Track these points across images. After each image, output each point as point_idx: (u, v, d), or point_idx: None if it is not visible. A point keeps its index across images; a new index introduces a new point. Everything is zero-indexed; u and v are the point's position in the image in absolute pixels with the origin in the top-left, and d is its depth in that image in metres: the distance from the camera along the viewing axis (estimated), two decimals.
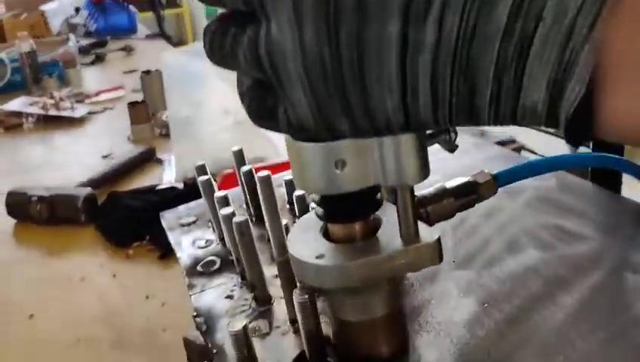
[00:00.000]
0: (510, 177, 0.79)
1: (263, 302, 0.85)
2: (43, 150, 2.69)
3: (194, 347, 0.81)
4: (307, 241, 0.68)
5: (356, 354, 0.70)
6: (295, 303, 0.68)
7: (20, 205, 1.93)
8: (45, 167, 2.49)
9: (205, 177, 0.99)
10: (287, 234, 0.90)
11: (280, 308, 0.84)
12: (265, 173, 0.80)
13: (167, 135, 2.34)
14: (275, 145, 2.06)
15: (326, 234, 0.69)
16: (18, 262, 1.80)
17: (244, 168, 1.02)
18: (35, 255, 1.79)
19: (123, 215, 1.81)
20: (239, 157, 1.05)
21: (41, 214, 1.90)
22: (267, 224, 0.73)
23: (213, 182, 0.96)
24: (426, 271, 0.87)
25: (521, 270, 0.83)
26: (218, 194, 0.94)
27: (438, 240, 0.65)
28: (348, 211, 0.66)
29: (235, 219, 0.80)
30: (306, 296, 0.67)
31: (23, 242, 1.91)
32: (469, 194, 0.76)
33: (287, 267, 0.77)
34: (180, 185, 1.92)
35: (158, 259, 1.64)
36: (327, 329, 0.78)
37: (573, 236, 0.89)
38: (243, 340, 0.64)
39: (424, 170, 0.59)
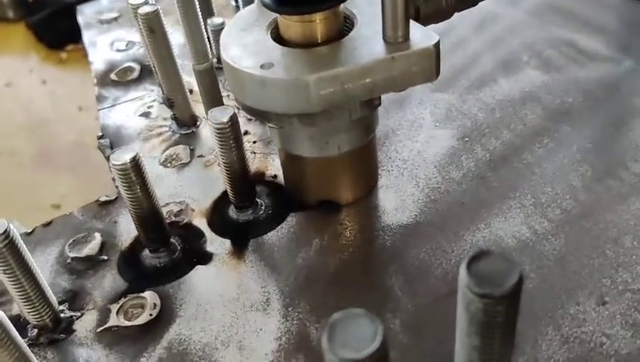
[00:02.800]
0: None
1: (184, 124, 0.67)
2: None
3: None
4: (249, 44, 0.47)
5: (308, 197, 0.54)
6: (211, 129, 0.50)
7: None
8: None
9: None
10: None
11: (207, 133, 0.66)
12: None
13: None
14: None
15: (276, 34, 0.48)
16: None
17: None
18: None
19: (57, 11, 1.57)
20: None
21: None
22: (180, 14, 0.52)
23: None
24: (393, 93, 0.69)
25: (517, 96, 0.65)
26: None
27: (437, 45, 0.45)
28: None
29: (143, 9, 0.58)
30: (225, 121, 0.49)
31: None
32: None
33: (208, 78, 0.58)
34: None
35: None
36: (262, 162, 0.61)
37: (588, 55, 0.69)
38: (132, 176, 0.46)
39: None
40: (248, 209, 0.54)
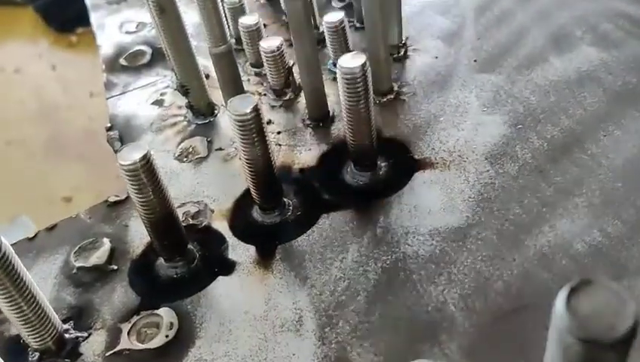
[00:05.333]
0: None
1: (201, 113, 0.60)
2: None
3: None
4: None
5: None
6: (230, 121, 0.43)
7: None
8: None
9: None
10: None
11: (226, 122, 0.59)
12: None
13: None
14: None
15: None
16: None
17: None
18: None
19: None
20: None
21: None
22: None
23: None
24: (433, 73, 0.62)
25: (573, 76, 0.57)
26: None
27: None
28: None
29: None
30: (248, 112, 0.42)
31: None
32: None
33: (226, 62, 0.51)
34: None
35: None
36: (288, 155, 0.54)
37: None
38: (143, 177, 0.40)
39: None
40: (274, 210, 0.48)
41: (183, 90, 0.58)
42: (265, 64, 0.59)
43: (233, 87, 0.52)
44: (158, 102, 0.64)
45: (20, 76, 1.41)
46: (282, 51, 0.59)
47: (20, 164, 1.16)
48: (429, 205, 0.47)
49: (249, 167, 0.45)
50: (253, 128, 0.43)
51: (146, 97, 0.65)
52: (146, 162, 0.40)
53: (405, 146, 0.53)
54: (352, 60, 0.44)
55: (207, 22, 0.49)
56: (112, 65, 0.72)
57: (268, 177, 0.46)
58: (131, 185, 0.41)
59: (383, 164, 0.51)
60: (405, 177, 0.50)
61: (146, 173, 0.40)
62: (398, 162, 0.51)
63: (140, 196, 0.41)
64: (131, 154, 0.40)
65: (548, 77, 0.58)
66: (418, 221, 0.46)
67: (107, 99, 0.67)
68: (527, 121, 0.53)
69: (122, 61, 0.72)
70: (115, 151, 0.59)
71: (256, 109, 0.42)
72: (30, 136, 1.23)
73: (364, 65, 0.44)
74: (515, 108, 0.54)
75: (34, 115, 1.29)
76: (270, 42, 0.58)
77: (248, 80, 0.64)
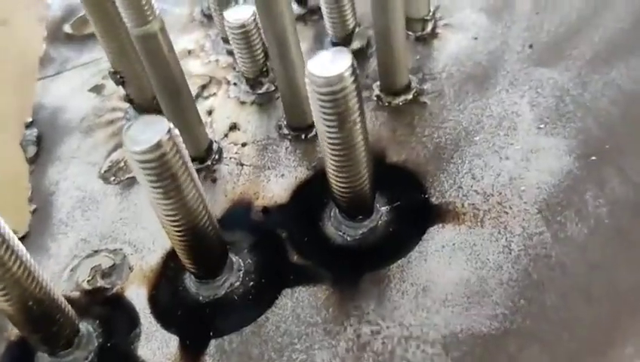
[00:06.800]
0: None
1: (143, 109, 0.44)
2: None
3: None
4: None
5: None
6: (128, 158, 0.27)
7: None
8: None
9: None
10: None
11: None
12: None
13: None
14: None
15: None
16: None
17: None
18: None
19: None
20: None
21: None
22: None
23: None
24: (471, 63, 0.43)
25: None
26: None
27: None
28: None
29: None
30: (152, 146, 0.26)
31: None
32: None
33: (154, 47, 0.34)
34: None
35: None
36: (251, 183, 0.38)
37: None
38: None
39: None
40: (215, 279, 0.32)
41: (116, 77, 0.42)
42: (232, 43, 0.43)
43: (166, 83, 0.35)
44: (97, 89, 0.48)
45: (5, 30, 1.22)
46: (257, 26, 0.42)
47: None
48: (446, 287, 0.30)
49: (169, 223, 0.29)
50: (165, 173, 0.27)
51: (85, 80, 0.49)
52: None
53: (418, 181, 0.36)
54: (330, 64, 0.28)
55: None
56: (55, 34, 0.56)
57: (199, 239, 0.30)
58: None
59: (382, 209, 0.34)
60: (414, 234, 0.33)
61: None
62: (406, 207, 0.34)
63: None
64: None
65: (638, 79, 0.39)
66: (427, 317, 0.30)
67: (38, 80, 0.52)
68: (605, 150, 0.35)
69: (67, 28, 0.56)
70: (29, 161, 0.44)
71: (170, 141, 0.26)
72: (5, 107, 1.05)
73: (351, 71, 0.27)
74: (587, 127, 0.37)
75: (13, 80, 1.11)
76: (239, 13, 0.42)
77: (217, 61, 0.48)
